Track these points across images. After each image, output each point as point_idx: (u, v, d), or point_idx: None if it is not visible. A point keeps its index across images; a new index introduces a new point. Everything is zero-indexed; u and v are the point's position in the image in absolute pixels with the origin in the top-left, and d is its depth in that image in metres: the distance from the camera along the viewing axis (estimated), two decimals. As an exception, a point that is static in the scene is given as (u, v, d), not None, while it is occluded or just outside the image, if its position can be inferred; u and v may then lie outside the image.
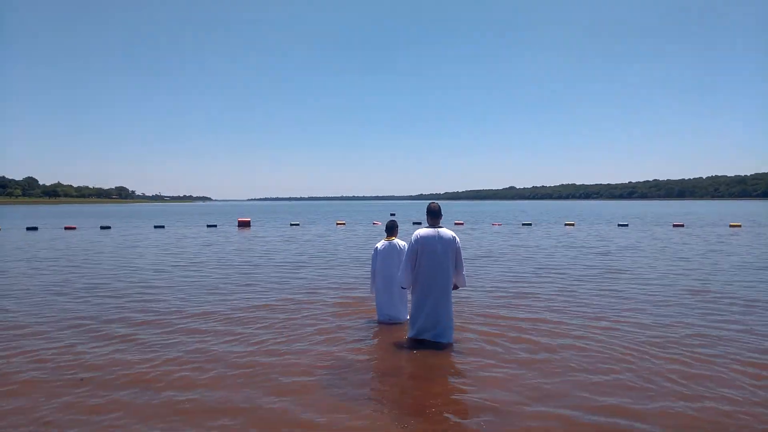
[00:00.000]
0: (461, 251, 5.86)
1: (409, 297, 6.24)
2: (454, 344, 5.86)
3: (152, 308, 8.03)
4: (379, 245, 6.90)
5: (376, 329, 6.69)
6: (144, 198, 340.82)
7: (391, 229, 6.92)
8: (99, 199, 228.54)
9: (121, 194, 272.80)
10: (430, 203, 5.98)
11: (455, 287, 5.97)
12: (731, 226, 29.63)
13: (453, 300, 6.00)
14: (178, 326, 6.86)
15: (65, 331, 6.64)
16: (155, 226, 33.28)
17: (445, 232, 5.81)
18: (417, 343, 5.85)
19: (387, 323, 6.83)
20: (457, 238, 5.84)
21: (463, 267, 5.86)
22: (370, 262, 7.05)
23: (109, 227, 31.90)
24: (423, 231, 5.83)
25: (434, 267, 5.71)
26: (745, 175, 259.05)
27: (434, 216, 5.90)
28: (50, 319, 7.33)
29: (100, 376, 4.96)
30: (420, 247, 5.74)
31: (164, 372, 5.07)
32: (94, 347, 5.96)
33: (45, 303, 8.45)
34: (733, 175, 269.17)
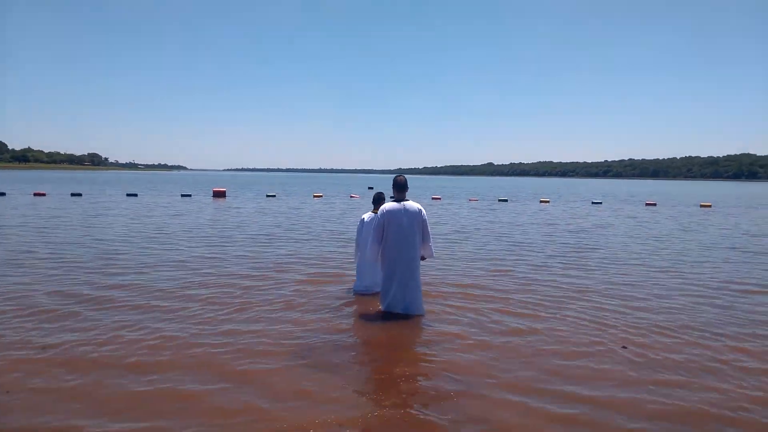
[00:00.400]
0: (428, 223, 5.95)
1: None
2: (427, 317, 5.89)
3: (111, 283, 7.60)
4: (365, 217, 6.87)
5: (349, 301, 6.66)
6: (117, 165, 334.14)
7: (378, 201, 6.83)
8: (71, 166, 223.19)
9: (94, 161, 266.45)
10: (396, 176, 6.01)
11: (423, 258, 6.03)
12: (702, 206, 30.17)
13: (429, 274, 5.94)
14: (136, 303, 6.46)
15: (8, 303, 6.27)
16: (128, 194, 32.57)
17: (411, 204, 5.88)
18: (389, 316, 5.88)
19: (363, 293, 6.88)
20: (423, 211, 5.92)
21: (430, 238, 5.95)
22: (355, 233, 7.09)
23: (80, 194, 31.12)
24: (389, 205, 5.89)
25: (401, 240, 5.79)
26: (718, 157, 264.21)
27: (400, 189, 5.94)
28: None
29: (45, 356, 4.63)
30: (386, 221, 5.81)
31: (115, 352, 4.81)
32: (41, 325, 5.53)
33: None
34: (706, 156, 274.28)
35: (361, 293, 6.92)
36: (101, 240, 11.95)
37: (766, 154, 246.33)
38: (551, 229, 16.40)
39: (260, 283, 7.68)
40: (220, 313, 6.06)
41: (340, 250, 11.03)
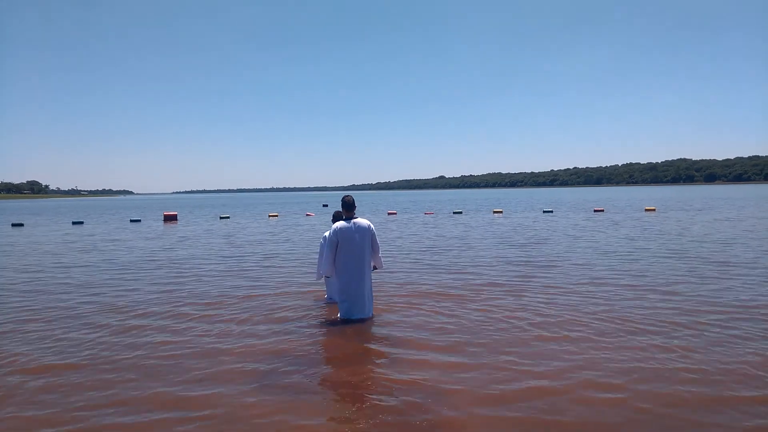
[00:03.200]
0: (376, 237, 6.60)
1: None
2: (386, 333, 6.14)
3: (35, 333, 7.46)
4: (327, 234, 7.10)
5: (317, 313, 6.86)
6: (59, 193, 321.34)
7: (338, 218, 7.09)
8: (8, 195, 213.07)
9: (34, 189, 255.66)
10: (344, 197, 6.60)
11: (374, 268, 6.74)
12: (646, 210, 31.51)
13: (386, 287, 6.06)
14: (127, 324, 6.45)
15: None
16: (73, 222, 31.39)
17: (361, 221, 6.51)
18: (347, 322, 6.47)
19: (334, 301, 7.43)
20: (372, 226, 6.55)
21: (379, 250, 6.63)
22: (319, 251, 7.56)
23: (21, 224, 29.79)
24: (340, 224, 6.46)
25: (354, 254, 6.40)
26: (656, 162, 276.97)
27: (348, 209, 6.52)
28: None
29: None
30: (339, 238, 6.38)
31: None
32: None
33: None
34: (645, 162, 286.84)
35: (330, 301, 7.58)
36: (44, 270, 11.51)
37: (700, 158, 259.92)
38: (503, 239, 16.78)
39: (224, 308, 7.60)
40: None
41: (305, 269, 11.00)
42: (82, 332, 6.38)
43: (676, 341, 5.55)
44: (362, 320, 6.51)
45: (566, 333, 5.93)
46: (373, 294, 7.02)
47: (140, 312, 7.39)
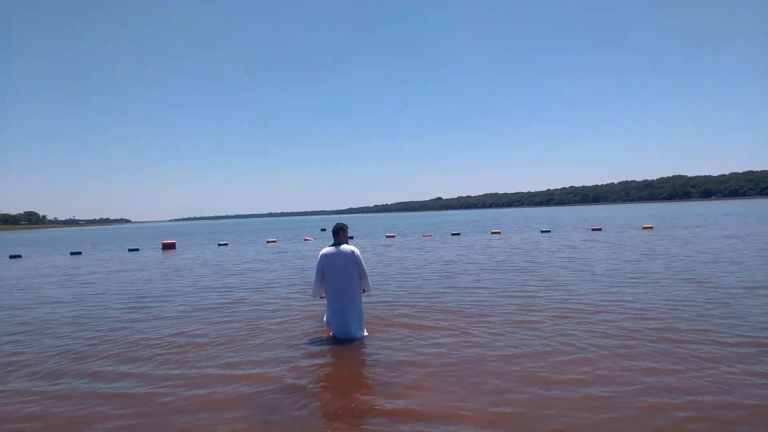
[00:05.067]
0: (362, 261, 6.95)
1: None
2: (379, 358, 6.20)
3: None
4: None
5: (316, 335, 6.78)
6: (57, 223, 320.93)
7: (337, 233, 7.65)
8: (6, 226, 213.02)
9: (31, 219, 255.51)
10: (335, 224, 7.06)
11: (363, 291, 7.09)
12: (644, 228, 31.61)
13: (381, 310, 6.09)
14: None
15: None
16: (71, 253, 31.35)
17: (345, 247, 6.90)
18: (338, 341, 6.84)
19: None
20: (356, 251, 6.94)
21: (366, 275, 6.99)
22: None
23: (19, 256, 29.74)
24: (326, 250, 6.94)
25: (340, 278, 6.80)
26: (652, 180, 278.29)
27: (335, 235, 6.98)
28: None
29: None
30: (325, 264, 6.84)
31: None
32: None
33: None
34: (641, 179, 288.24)
35: (329, 322, 7.63)
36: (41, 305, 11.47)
37: (696, 175, 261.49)
38: (502, 263, 16.82)
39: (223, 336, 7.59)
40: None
41: (304, 293, 11.02)
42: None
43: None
44: (351, 341, 6.81)
45: (569, 368, 5.95)
46: (366, 315, 7.41)
47: (135, 339, 7.39)
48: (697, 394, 4.64)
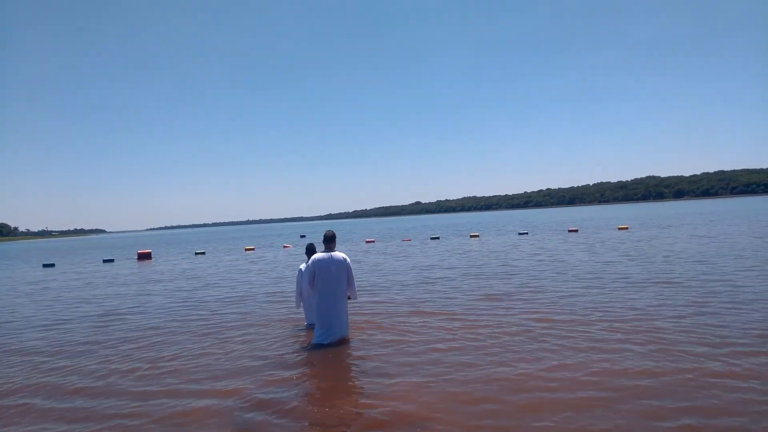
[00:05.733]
0: (351, 269, 7.10)
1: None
2: (364, 363, 6.27)
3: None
4: (302, 267, 8.05)
5: (299, 339, 6.71)
6: (29, 234, 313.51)
7: (310, 252, 8.15)
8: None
9: (2, 231, 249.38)
10: (325, 232, 7.16)
11: (349, 298, 7.22)
12: (619, 228, 32.06)
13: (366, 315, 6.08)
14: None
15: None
16: (44, 265, 30.66)
17: (337, 254, 7.02)
18: (321, 347, 6.86)
19: (312, 326, 7.79)
20: (348, 259, 7.09)
21: (354, 282, 7.14)
22: (296, 282, 8.22)
23: (-12, 270, 28.97)
24: (318, 255, 6.99)
25: (330, 284, 6.89)
26: (626, 181, 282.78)
27: (327, 242, 7.09)
28: None
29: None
30: (317, 269, 6.89)
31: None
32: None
33: None
34: (615, 181, 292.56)
35: (310, 326, 8.00)
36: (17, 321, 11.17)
37: (669, 175, 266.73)
38: (480, 266, 16.91)
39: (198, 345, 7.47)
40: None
41: (284, 300, 10.91)
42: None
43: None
44: (338, 344, 6.93)
45: (554, 363, 5.98)
46: (350, 320, 7.47)
47: (120, 357, 7.23)
48: (686, 398, 4.70)
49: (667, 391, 4.74)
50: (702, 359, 5.57)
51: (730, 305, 8.13)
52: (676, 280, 10.84)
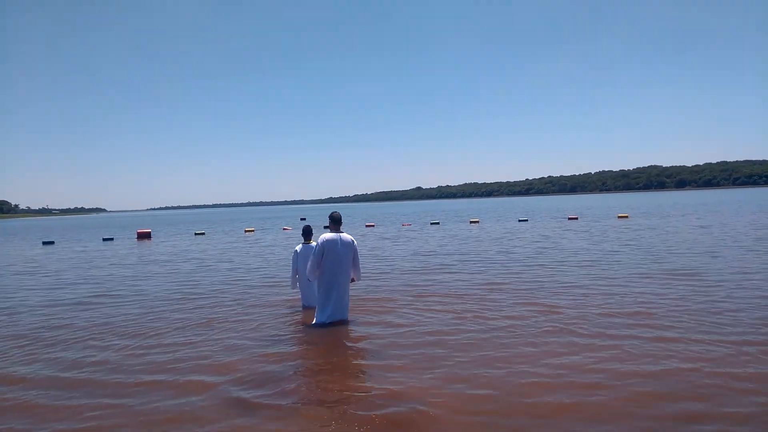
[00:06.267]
0: (358, 252, 7.13)
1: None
2: (365, 343, 6.32)
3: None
4: (297, 248, 8.13)
5: (295, 319, 6.81)
6: (30, 212, 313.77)
7: (307, 234, 8.25)
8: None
9: (3, 208, 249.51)
10: (332, 212, 7.16)
11: (353, 280, 7.25)
12: (619, 217, 32.02)
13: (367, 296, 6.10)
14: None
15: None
16: (44, 243, 30.69)
17: (345, 236, 7.03)
18: (323, 326, 6.94)
19: (307, 307, 8.11)
20: (355, 242, 7.12)
21: (359, 264, 7.18)
22: (291, 263, 8.29)
23: (-12, 246, 29.01)
24: (327, 235, 6.96)
25: (337, 265, 6.90)
26: (629, 170, 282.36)
27: (336, 223, 7.08)
28: None
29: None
30: (325, 249, 6.87)
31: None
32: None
33: None
34: (618, 169, 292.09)
35: (306, 307, 8.14)
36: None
37: (671, 165, 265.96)
38: (482, 249, 16.88)
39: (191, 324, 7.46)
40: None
41: (282, 282, 10.91)
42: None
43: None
44: (339, 324, 6.99)
45: (551, 348, 5.97)
46: (350, 303, 7.45)
47: (118, 332, 7.23)
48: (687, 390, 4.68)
49: (672, 379, 4.71)
50: (706, 347, 5.55)
51: (737, 298, 8.10)
52: (679, 269, 10.80)
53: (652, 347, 5.62)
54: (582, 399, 4.36)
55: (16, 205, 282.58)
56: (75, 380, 5.31)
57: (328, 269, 6.89)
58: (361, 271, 7.45)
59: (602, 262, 12.22)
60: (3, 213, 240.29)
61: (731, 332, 6.06)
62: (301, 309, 8.23)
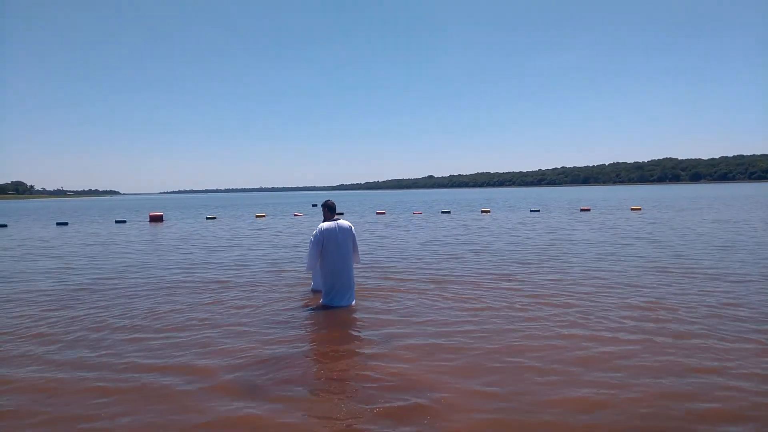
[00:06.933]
0: (356, 236, 7.44)
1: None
2: (366, 327, 6.40)
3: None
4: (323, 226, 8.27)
5: (305, 300, 6.84)
6: (44, 193, 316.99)
7: (332, 210, 7.92)
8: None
9: (19, 189, 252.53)
10: (326, 201, 7.50)
11: (354, 264, 7.54)
12: (632, 209, 31.69)
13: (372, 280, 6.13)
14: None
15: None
16: (58, 223, 30.97)
17: (343, 222, 7.34)
18: (329, 308, 7.22)
19: (317, 291, 8.20)
20: (353, 227, 7.41)
21: (358, 248, 7.50)
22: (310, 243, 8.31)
23: (5, 225, 29.32)
24: (325, 224, 7.25)
25: (338, 252, 7.18)
26: (643, 162, 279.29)
27: (331, 211, 7.41)
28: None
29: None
30: (324, 238, 7.15)
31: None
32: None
33: None
34: (632, 161, 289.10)
35: (315, 291, 8.28)
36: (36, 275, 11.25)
37: (686, 157, 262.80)
38: (495, 237, 16.76)
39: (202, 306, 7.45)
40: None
41: (293, 265, 10.89)
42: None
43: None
44: (345, 307, 7.23)
45: (558, 331, 5.87)
46: (357, 289, 7.81)
47: (125, 314, 7.23)
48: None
49: (693, 378, 4.61)
50: (729, 345, 5.43)
51: (761, 293, 7.94)
52: (695, 265, 10.63)
53: (673, 343, 5.50)
54: (596, 396, 4.26)
55: (32, 186, 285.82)
56: (78, 363, 5.31)
57: (330, 258, 7.17)
58: (360, 256, 7.78)
59: (616, 255, 12.06)
60: (19, 194, 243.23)
61: (752, 329, 5.92)
62: (311, 294, 8.32)
